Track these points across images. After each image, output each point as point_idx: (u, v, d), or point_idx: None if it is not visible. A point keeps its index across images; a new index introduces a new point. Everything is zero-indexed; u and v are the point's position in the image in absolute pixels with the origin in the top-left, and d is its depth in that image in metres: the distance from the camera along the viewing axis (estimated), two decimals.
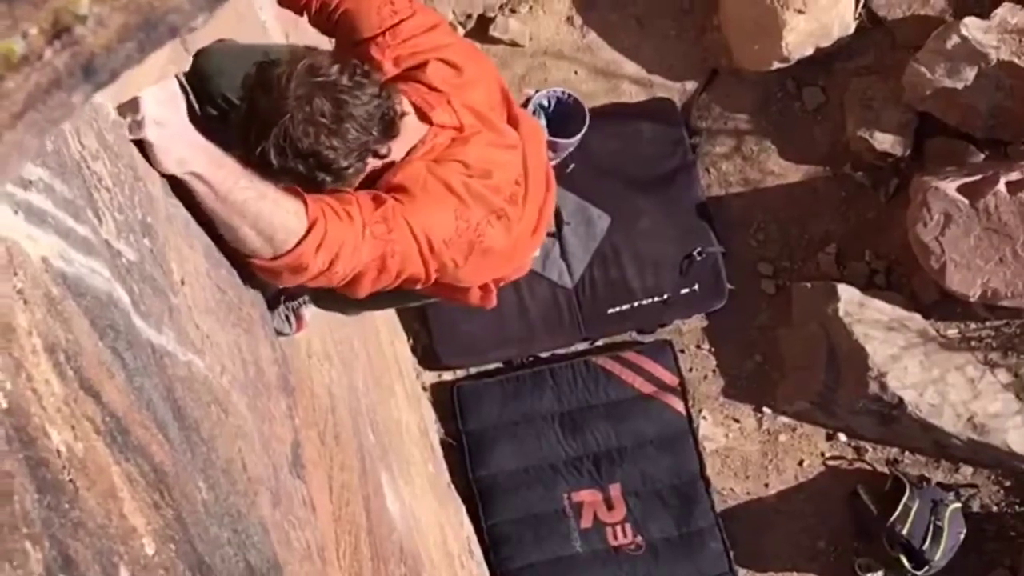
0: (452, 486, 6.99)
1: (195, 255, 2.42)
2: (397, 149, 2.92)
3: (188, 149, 2.41)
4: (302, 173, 2.73)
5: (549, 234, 7.42)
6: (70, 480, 1.21)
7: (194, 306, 2.24)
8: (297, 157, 2.69)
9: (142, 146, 2.32)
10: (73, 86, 0.91)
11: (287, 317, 3.63)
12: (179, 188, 2.45)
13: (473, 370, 7.60)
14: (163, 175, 2.38)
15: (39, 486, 1.11)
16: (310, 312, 3.92)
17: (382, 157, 2.89)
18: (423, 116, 3.03)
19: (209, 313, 2.36)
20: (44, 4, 0.88)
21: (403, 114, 2.89)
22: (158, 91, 2.37)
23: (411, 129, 2.96)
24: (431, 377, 7.54)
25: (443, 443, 7.32)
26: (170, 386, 1.79)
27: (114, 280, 1.67)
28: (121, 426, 1.45)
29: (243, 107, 2.74)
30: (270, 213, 2.56)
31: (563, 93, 7.33)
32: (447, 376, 7.56)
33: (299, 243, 2.61)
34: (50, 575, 1.05)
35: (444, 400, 7.50)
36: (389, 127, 2.84)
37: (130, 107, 2.30)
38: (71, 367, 1.36)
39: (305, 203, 2.63)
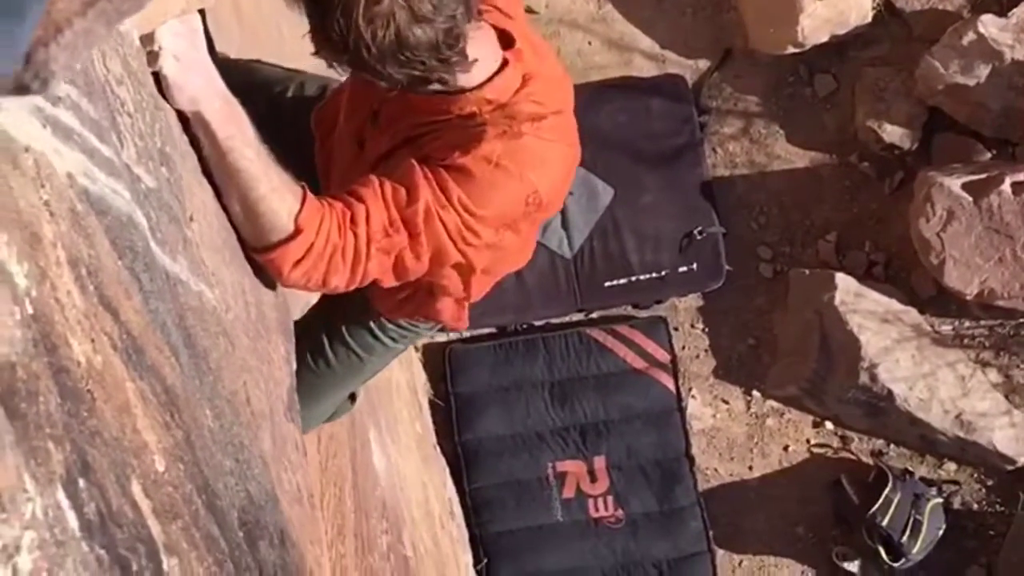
0: (438, 447, 7.02)
1: (204, 192, 2.41)
2: (466, 76, 2.61)
3: (203, 89, 2.33)
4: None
5: None
6: (88, 390, 1.22)
7: (201, 243, 2.23)
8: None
9: (158, 79, 2.29)
10: None
11: None
12: (189, 128, 2.39)
13: (466, 333, 7.61)
14: (176, 111, 2.35)
15: (61, 391, 1.12)
16: None
17: (444, 83, 2.59)
18: (504, 38, 2.73)
19: (216, 251, 2.36)
20: None
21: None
22: (178, 24, 2.32)
23: (486, 55, 2.64)
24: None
25: (431, 404, 7.34)
26: (182, 313, 1.79)
27: (134, 203, 1.68)
28: (136, 345, 1.45)
29: None
30: (261, 197, 2.42)
31: None
32: (440, 337, 7.56)
33: (277, 245, 2.49)
34: (70, 476, 1.06)
35: (435, 361, 7.52)
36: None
37: (148, 38, 2.27)
38: (92, 282, 1.37)
39: (303, 204, 2.48)
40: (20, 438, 0.97)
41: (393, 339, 3.36)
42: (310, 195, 2.52)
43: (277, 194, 2.45)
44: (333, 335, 3.30)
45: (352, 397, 3.75)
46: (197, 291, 1.96)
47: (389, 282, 2.75)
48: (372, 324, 3.29)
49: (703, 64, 7.83)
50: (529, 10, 7.59)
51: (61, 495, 1.04)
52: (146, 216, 1.74)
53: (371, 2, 2.33)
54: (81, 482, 1.09)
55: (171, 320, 1.70)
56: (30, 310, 1.14)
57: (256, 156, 2.42)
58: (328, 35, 2.40)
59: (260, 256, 2.53)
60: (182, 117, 2.35)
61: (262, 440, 2.16)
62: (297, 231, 2.48)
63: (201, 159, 2.40)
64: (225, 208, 2.47)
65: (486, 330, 7.62)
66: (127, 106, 1.87)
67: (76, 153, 1.49)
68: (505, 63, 2.69)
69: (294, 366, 2.99)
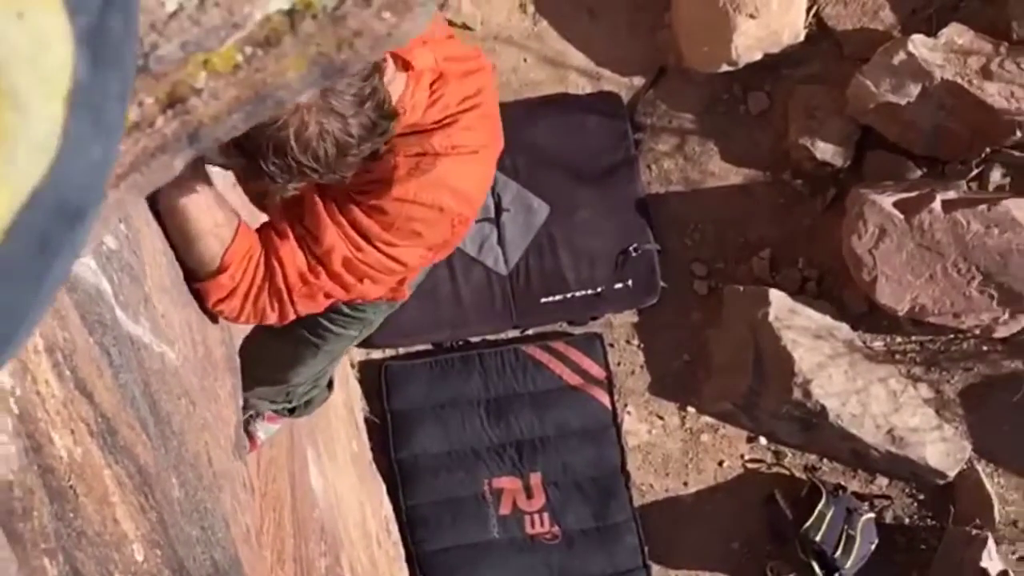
0: (374, 465, 6.99)
1: (151, 232, 2.39)
2: None
3: None
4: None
5: (487, 220, 7.44)
6: (71, 486, 1.21)
7: (152, 287, 2.22)
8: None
9: None
10: (177, 150, 0.92)
11: None
12: None
13: (402, 350, 7.59)
14: None
15: (50, 495, 1.11)
16: (264, 430, 3.82)
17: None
18: (402, 63, 2.59)
19: (164, 292, 2.34)
20: (164, 77, 0.88)
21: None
22: None
23: (395, 88, 2.53)
24: (359, 354, 7.52)
25: (367, 421, 7.31)
26: (147, 380, 1.78)
27: (99, 271, 1.66)
28: (111, 426, 1.44)
29: None
30: (201, 232, 2.43)
31: None
32: (376, 354, 7.55)
33: (206, 279, 2.51)
34: None
35: (371, 378, 7.49)
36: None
37: None
38: (67, 367, 1.35)
39: (232, 242, 2.48)
40: (21, 563, 0.96)
41: (342, 327, 3.34)
42: (242, 233, 2.52)
43: (217, 231, 2.46)
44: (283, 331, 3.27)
45: (329, 385, 3.88)
46: (159, 352, 1.95)
47: (323, 307, 2.77)
48: (319, 317, 3.25)
49: (638, 81, 7.86)
50: (464, 26, 7.59)
51: None
52: (110, 281, 1.73)
53: (299, 132, 2.25)
54: None
55: (138, 390, 1.68)
56: (16, 410, 1.13)
57: (201, 193, 2.41)
58: (271, 174, 2.32)
59: (196, 286, 2.54)
60: None
61: (224, 501, 2.15)
62: (222, 268, 2.49)
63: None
64: (170, 242, 2.47)
65: (422, 347, 7.60)
66: None
67: None
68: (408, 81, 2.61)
69: (240, 402, 2.97)
